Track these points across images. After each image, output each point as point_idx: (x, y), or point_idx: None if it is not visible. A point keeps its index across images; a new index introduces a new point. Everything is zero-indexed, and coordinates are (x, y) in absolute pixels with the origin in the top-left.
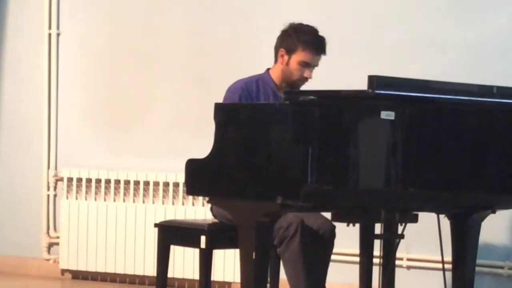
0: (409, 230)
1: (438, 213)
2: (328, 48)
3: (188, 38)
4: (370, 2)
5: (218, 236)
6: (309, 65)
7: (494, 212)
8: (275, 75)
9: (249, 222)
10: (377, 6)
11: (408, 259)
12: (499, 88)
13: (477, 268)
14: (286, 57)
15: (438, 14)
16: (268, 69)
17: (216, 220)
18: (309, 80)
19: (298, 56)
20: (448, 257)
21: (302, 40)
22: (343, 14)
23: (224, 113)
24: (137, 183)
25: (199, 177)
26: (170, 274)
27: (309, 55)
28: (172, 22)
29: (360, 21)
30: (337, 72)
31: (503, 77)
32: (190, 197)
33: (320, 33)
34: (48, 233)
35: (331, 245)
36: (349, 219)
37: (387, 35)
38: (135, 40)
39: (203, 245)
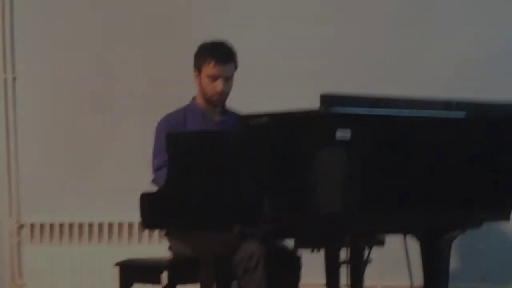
0: (379, 256)
1: (404, 235)
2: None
3: (145, 78)
4: (325, 26)
5: (180, 271)
6: (217, 77)
7: (463, 231)
8: (200, 99)
9: (208, 253)
10: (332, 30)
11: (383, 287)
12: (459, 103)
13: None
14: (198, 77)
15: (396, 37)
16: (194, 96)
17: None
18: (224, 92)
19: (205, 71)
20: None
21: (204, 54)
22: (297, 39)
23: (176, 143)
24: (101, 225)
25: (153, 210)
26: None
27: (213, 67)
28: (128, 62)
29: (315, 48)
30: (291, 97)
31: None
32: (156, 235)
33: (227, 44)
34: (13, 280)
35: (297, 276)
36: (312, 245)
37: (343, 58)
38: (92, 82)
39: (165, 282)
